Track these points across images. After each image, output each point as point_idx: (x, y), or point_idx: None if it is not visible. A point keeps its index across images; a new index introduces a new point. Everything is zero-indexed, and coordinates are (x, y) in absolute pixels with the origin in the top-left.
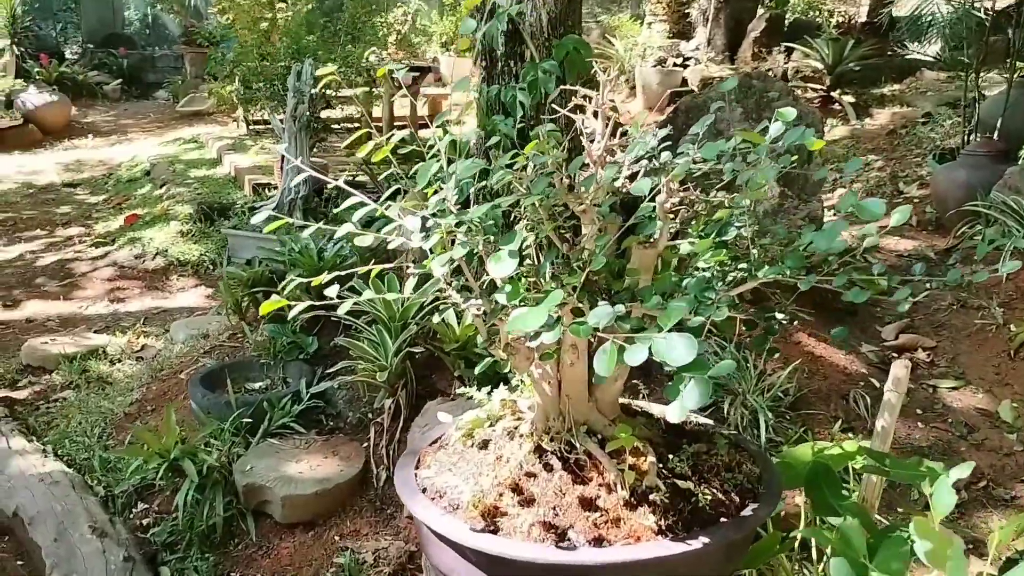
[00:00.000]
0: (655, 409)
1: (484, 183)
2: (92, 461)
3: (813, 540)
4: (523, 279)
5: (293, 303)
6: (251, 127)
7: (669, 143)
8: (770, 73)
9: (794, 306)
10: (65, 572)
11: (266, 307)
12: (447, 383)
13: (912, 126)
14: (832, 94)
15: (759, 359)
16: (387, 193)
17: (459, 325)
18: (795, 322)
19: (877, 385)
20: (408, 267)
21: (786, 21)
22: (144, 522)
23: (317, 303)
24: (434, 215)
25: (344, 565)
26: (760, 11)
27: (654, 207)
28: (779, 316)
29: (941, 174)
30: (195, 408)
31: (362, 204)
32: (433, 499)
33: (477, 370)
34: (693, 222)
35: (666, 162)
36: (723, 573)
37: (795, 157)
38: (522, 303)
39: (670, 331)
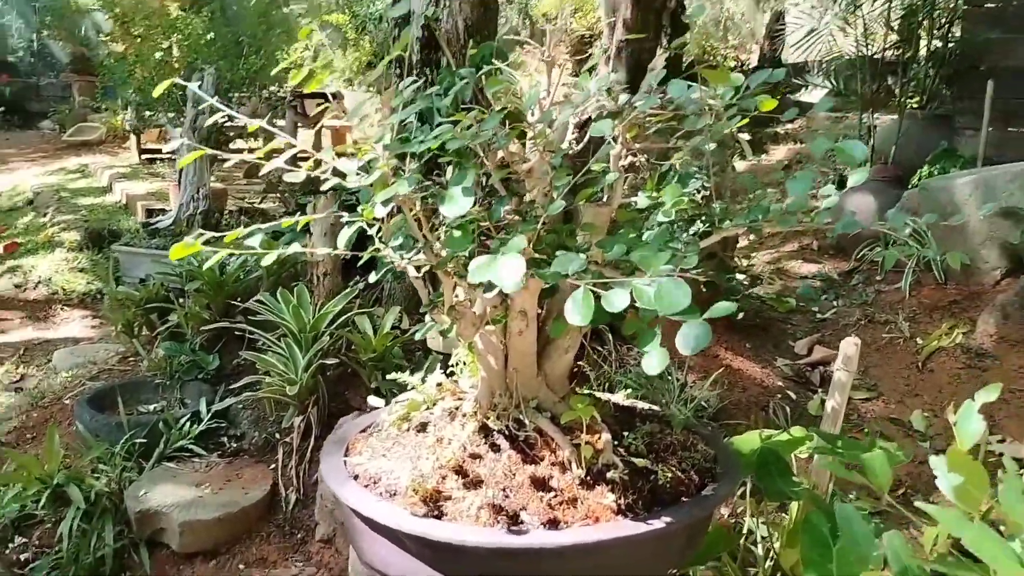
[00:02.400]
0: (600, 395)
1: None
2: None
3: (759, 537)
4: (476, 220)
5: (211, 251)
6: (143, 156)
7: (624, 88)
8: None
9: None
10: None
11: (176, 252)
12: (361, 399)
13: (807, 161)
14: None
15: (680, 371)
16: (301, 219)
17: (376, 335)
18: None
19: (794, 396)
20: (341, 216)
21: (683, 61)
22: (22, 557)
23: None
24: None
25: None
26: (659, 51)
27: (606, 163)
28: (740, 276)
29: (841, 199)
30: (82, 431)
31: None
32: (367, 486)
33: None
34: (649, 177)
35: (623, 105)
36: (684, 556)
37: (755, 107)
38: (476, 251)
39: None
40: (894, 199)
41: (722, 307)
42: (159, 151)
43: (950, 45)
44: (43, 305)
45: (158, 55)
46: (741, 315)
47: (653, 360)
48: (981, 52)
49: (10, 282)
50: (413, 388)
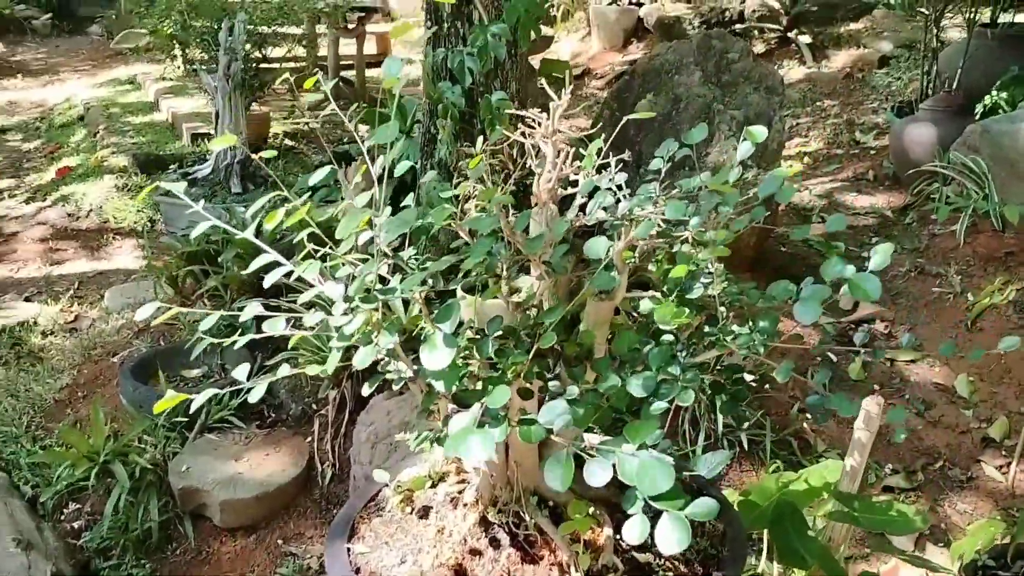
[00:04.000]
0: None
1: (420, 223)
2: (19, 457)
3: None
4: (463, 364)
5: (194, 395)
6: (190, 68)
7: (627, 191)
8: (726, 13)
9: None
10: None
11: (161, 406)
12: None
13: (869, 70)
14: (789, 35)
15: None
16: (304, 258)
17: (406, 314)
18: (766, 386)
19: (834, 359)
20: (332, 335)
21: None
22: (75, 526)
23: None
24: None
25: (288, 574)
26: None
27: (611, 253)
28: (748, 378)
29: (899, 128)
30: (125, 403)
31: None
32: None
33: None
34: (654, 260)
35: (624, 213)
36: None
37: (767, 213)
38: (462, 393)
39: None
40: (957, 131)
41: (705, 506)
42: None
43: None
44: (96, 235)
45: None
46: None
47: (634, 530)
48: None
49: (63, 211)
50: (423, 451)
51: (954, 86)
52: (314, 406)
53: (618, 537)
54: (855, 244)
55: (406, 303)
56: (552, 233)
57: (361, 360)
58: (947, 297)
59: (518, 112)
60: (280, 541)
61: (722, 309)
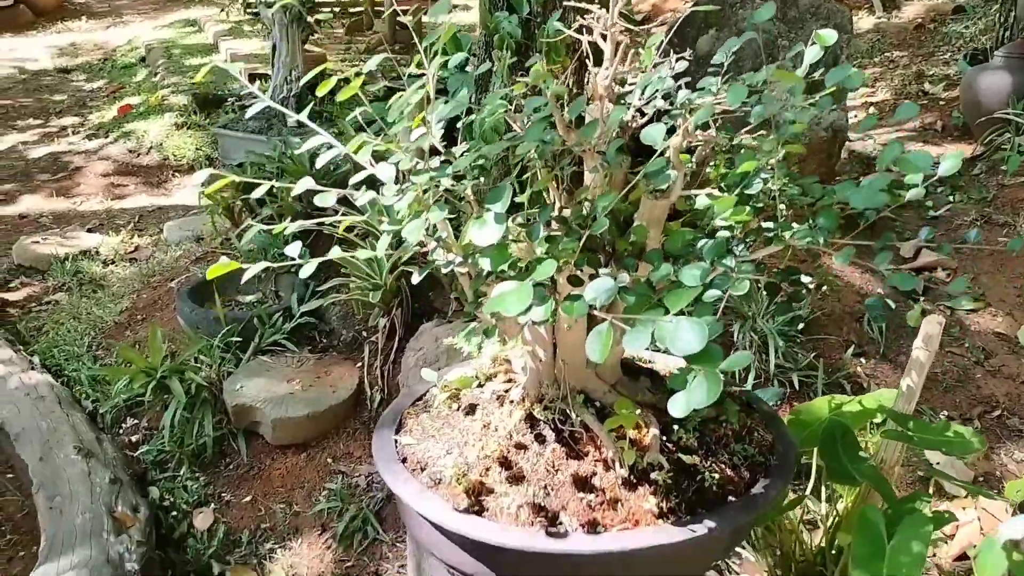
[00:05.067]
0: (661, 363)
1: (472, 118)
2: (80, 374)
3: (823, 487)
4: (513, 243)
5: (247, 265)
6: (248, 10)
7: (687, 79)
8: None
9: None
10: (50, 494)
11: (213, 271)
12: (444, 301)
13: (942, 21)
14: None
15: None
16: (356, 140)
17: (458, 243)
18: (823, 287)
19: (892, 306)
20: (381, 221)
21: None
22: (133, 439)
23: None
24: (410, 164)
25: (336, 490)
26: None
27: (667, 152)
28: (805, 279)
29: (972, 77)
30: (183, 324)
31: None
32: (414, 471)
33: (461, 337)
34: (712, 166)
35: (685, 101)
36: (726, 554)
37: (830, 94)
38: (509, 271)
39: (679, 313)
40: None
41: (740, 359)
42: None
43: None
44: (156, 171)
45: None
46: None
47: (677, 406)
48: None
49: (125, 147)
50: (470, 353)
51: None
52: (364, 333)
53: (664, 439)
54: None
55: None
56: (607, 124)
57: (411, 232)
58: (1013, 247)
59: (578, 4)
60: (329, 460)
61: (781, 207)
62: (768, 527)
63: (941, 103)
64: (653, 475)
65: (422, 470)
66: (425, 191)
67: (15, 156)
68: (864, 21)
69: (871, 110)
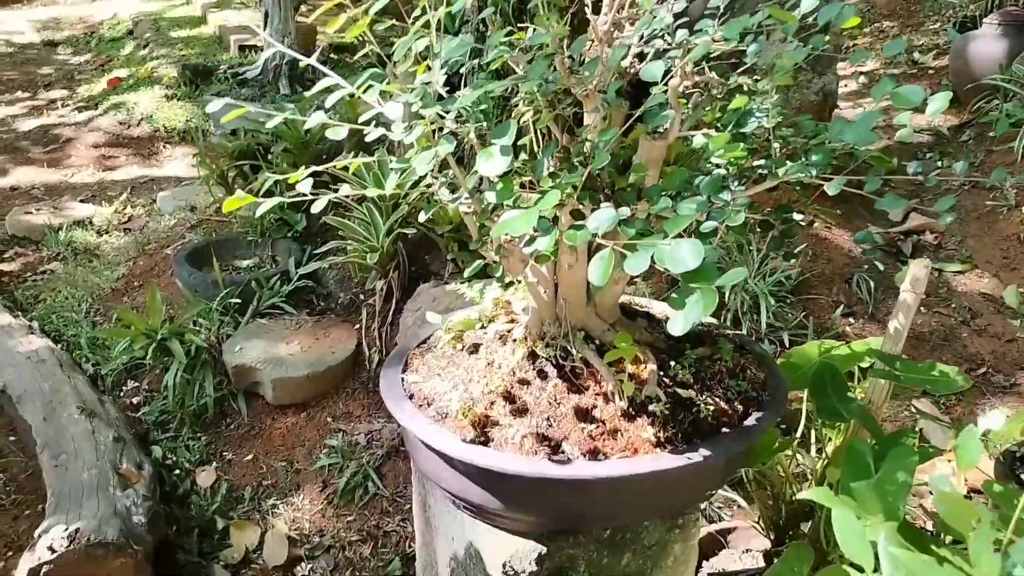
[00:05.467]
0: (657, 308)
1: (476, 61)
2: (79, 338)
3: (813, 438)
4: (518, 176)
5: (261, 200)
6: None
7: (687, 20)
8: None
9: (814, 206)
10: (55, 452)
11: (230, 204)
12: (440, 264)
13: None
14: None
15: (762, 242)
16: (364, 75)
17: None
18: (814, 223)
19: (881, 268)
20: (390, 161)
21: None
22: (134, 400)
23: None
24: (418, 102)
25: (337, 447)
26: None
27: (665, 92)
28: (797, 217)
29: (961, 44)
30: (181, 287)
31: (336, 87)
32: (421, 406)
33: (467, 272)
34: (707, 110)
35: (681, 41)
36: (721, 482)
37: (827, 38)
38: (515, 204)
39: (676, 237)
40: (1022, 45)
41: (735, 273)
42: None
43: None
44: (147, 142)
45: None
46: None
47: (677, 324)
48: None
49: (115, 119)
50: (473, 299)
51: (1022, 2)
52: (361, 296)
53: (661, 374)
54: (908, 159)
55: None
56: (607, 65)
57: (421, 163)
58: (1001, 210)
59: None
60: (329, 419)
61: (776, 145)
62: (759, 474)
63: (931, 72)
64: (651, 407)
65: (429, 405)
66: (432, 125)
67: (4, 129)
68: None
69: (860, 79)
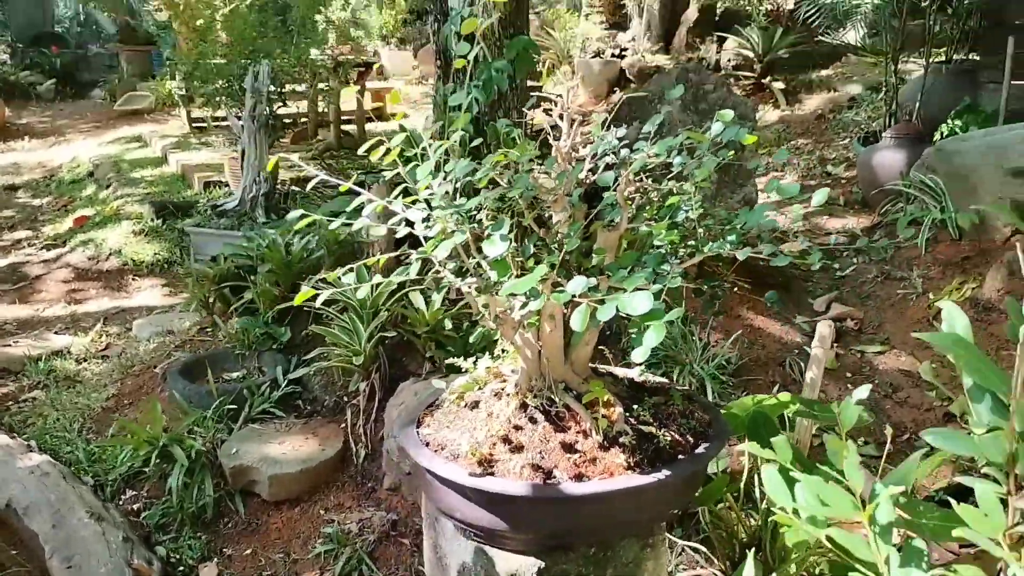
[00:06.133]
0: (618, 372)
1: (468, 178)
2: (76, 453)
3: (757, 489)
4: (510, 259)
5: (322, 288)
6: (193, 124)
7: (627, 142)
8: (704, 62)
9: (733, 276)
10: (66, 555)
11: (301, 296)
12: (417, 365)
13: (839, 110)
14: (763, 81)
15: (703, 332)
16: (397, 191)
17: (428, 310)
18: (735, 288)
19: (809, 352)
20: (408, 254)
21: (717, 11)
22: (135, 507)
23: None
24: (431, 207)
25: (332, 535)
26: (693, 1)
27: (615, 196)
28: (720, 284)
29: (865, 156)
30: (178, 398)
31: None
32: (436, 451)
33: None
34: (647, 207)
35: (624, 158)
36: (683, 500)
37: (732, 153)
38: (511, 278)
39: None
40: (917, 155)
41: (676, 312)
42: (216, 119)
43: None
44: (116, 275)
45: (200, 22)
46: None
47: (639, 354)
48: (1002, 7)
49: (84, 255)
50: (467, 370)
51: (914, 117)
52: (345, 398)
53: (627, 415)
54: (828, 258)
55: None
56: (571, 176)
57: (442, 250)
58: (911, 298)
59: (544, 95)
60: (322, 511)
61: (700, 230)
62: (715, 516)
63: (843, 181)
64: (621, 440)
65: (442, 450)
66: (447, 222)
67: None
68: (770, 114)
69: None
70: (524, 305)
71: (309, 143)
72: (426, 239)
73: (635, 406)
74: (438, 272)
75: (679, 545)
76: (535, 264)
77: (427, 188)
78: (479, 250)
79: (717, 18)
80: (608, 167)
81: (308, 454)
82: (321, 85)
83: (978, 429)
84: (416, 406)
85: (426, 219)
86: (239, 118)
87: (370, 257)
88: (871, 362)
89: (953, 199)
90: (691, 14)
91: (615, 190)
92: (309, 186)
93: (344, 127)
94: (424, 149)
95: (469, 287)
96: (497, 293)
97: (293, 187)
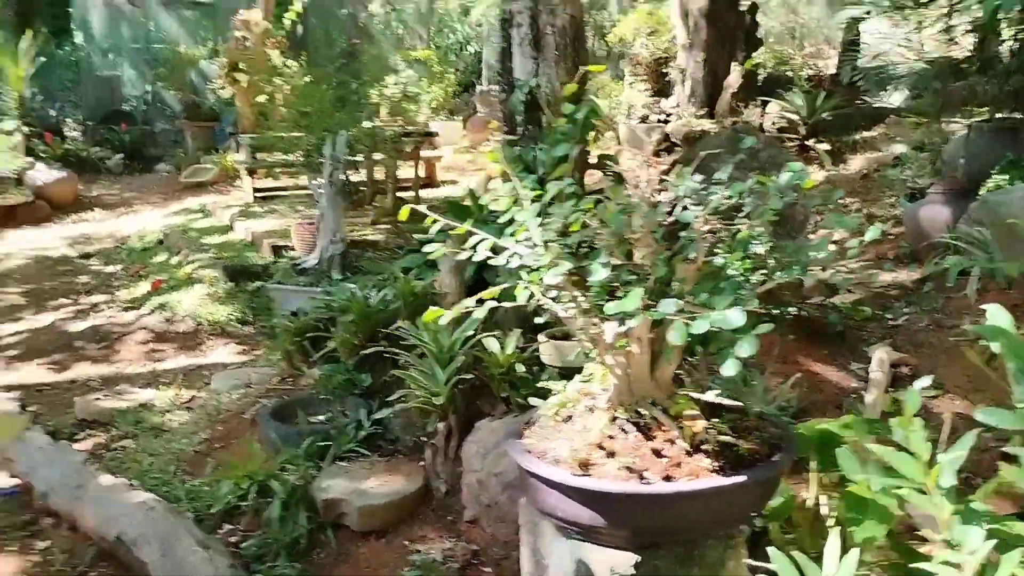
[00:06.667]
0: (694, 395)
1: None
2: (175, 492)
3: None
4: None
5: (470, 305)
6: (256, 194)
7: (707, 185)
8: (748, 125)
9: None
10: None
11: (429, 315)
12: (491, 406)
13: (884, 169)
14: (808, 142)
15: (764, 376)
16: (508, 230)
17: (502, 353)
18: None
19: (865, 396)
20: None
21: (760, 76)
22: (232, 540)
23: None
24: (533, 245)
25: (418, 563)
26: (735, 67)
27: (694, 233)
28: (787, 311)
29: (912, 211)
30: (272, 436)
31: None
32: (539, 458)
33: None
34: (721, 243)
35: (702, 200)
36: (761, 504)
37: (795, 195)
38: (610, 299)
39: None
40: (964, 209)
41: (764, 327)
42: (271, 189)
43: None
44: (192, 336)
45: (262, 98)
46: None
47: (729, 367)
48: None
49: (161, 316)
50: (559, 392)
51: (959, 174)
52: (423, 438)
53: (708, 426)
54: (879, 308)
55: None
56: (654, 215)
57: (551, 276)
58: (963, 344)
59: (606, 155)
60: (406, 542)
61: (771, 261)
62: (785, 530)
63: (891, 237)
64: (704, 447)
65: (544, 456)
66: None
67: (56, 331)
68: (816, 174)
69: (831, 247)
70: (622, 323)
71: (367, 209)
72: (529, 271)
73: (714, 419)
74: (540, 301)
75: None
76: (629, 289)
77: (524, 231)
78: (576, 282)
79: (760, 83)
80: (684, 208)
81: (392, 489)
82: (376, 155)
83: (1021, 405)
84: (515, 424)
85: (513, 253)
86: (317, 184)
87: (442, 307)
88: (926, 406)
89: (1001, 249)
90: (734, 80)
91: (693, 228)
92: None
93: (399, 194)
94: (516, 199)
95: (567, 311)
96: (598, 315)
97: (353, 249)
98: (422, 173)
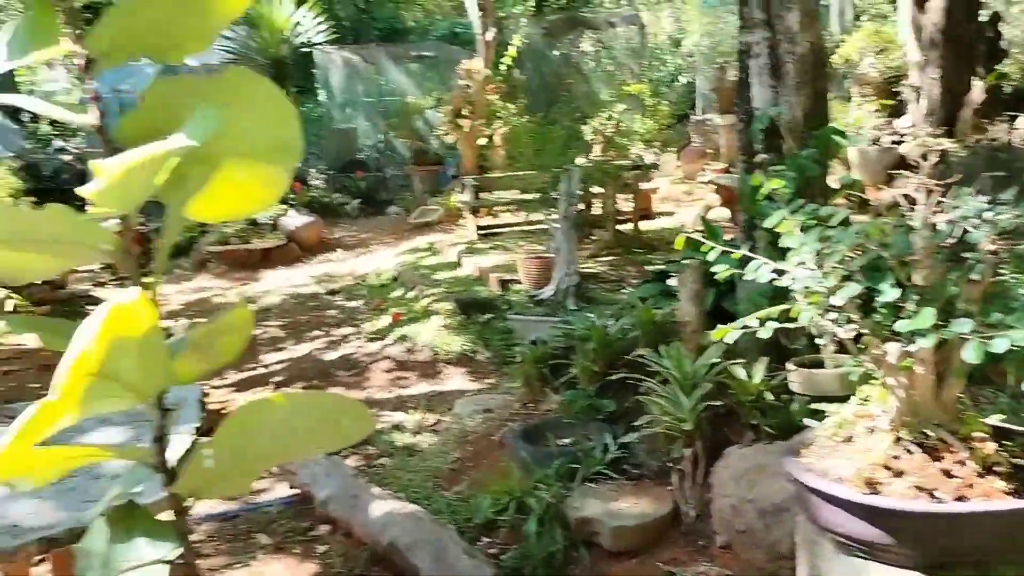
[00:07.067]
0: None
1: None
2: (435, 504)
3: None
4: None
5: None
6: (480, 231)
7: (994, 206)
8: (996, 143)
9: None
10: None
11: (719, 333)
12: (737, 433)
13: None
14: None
15: None
16: (793, 257)
17: (750, 381)
18: None
19: None
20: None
21: (1004, 89)
22: (491, 551)
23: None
24: (813, 268)
25: None
26: (976, 81)
27: (980, 254)
28: None
29: None
30: (523, 457)
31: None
32: (819, 476)
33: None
34: (1008, 263)
35: (988, 219)
36: None
37: None
38: (896, 319)
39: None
40: None
41: None
42: (493, 227)
43: None
44: (430, 365)
45: (482, 141)
46: None
47: None
48: None
49: (402, 347)
50: (834, 414)
51: None
52: (669, 463)
53: (1000, 449)
54: None
55: None
56: (937, 237)
57: (838, 298)
58: None
59: (849, 179)
60: (659, 564)
61: None
62: None
63: None
64: (997, 469)
65: (825, 474)
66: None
67: (313, 359)
68: None
69: None
70: (909, 343)
71: (583, 243)
72: (807, 293)
73: (1004, 442)
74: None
75: None
76: (915, 310)
77: (800, 253)
78: (861, 305)
79: (1004, 97)
80: (966, 231)
81: (642, 511)
82: (594, 189)
83: None
84: (788, 446)
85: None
86: (553, 219)
87: (683, 336)
88: None
89: None
90: (975, 95)
91: (980, 248)
92: (710, 255)
93: (617, 226)
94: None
95: (847, 332)
96: (880, 336)
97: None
98: (640, 205)
